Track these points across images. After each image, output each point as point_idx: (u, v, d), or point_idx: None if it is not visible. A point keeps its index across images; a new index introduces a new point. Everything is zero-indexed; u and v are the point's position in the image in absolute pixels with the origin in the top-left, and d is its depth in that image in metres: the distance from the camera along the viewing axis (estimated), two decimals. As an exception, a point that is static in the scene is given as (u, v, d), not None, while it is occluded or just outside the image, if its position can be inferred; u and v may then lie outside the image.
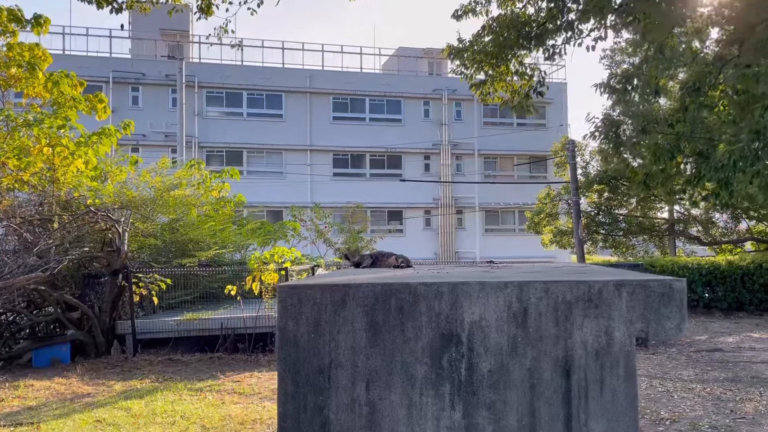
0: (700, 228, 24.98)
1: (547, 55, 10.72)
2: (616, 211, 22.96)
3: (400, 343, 3.28)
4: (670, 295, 3.14)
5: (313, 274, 11.43)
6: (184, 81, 19.94)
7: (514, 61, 10.92)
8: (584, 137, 22.58)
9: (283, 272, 10.09)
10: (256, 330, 9.94)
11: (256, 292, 10.02)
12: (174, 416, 6.28)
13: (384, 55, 36.16)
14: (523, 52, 10.82)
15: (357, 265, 5.40)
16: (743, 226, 26.10)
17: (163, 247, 11.55)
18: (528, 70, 11.45)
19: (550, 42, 10.44)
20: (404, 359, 3.34)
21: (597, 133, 8.75)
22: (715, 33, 8.53)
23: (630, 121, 8.43)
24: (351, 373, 3.38)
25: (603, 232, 23.28)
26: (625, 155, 8.40)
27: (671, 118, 7.96)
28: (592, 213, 22.93)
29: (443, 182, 32.36)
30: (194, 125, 30.72)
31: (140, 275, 10.25)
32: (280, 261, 10.55)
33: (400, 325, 3.31)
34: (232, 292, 9.92)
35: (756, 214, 24.14)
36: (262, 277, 10.09)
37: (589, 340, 3.20)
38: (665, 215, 24.98)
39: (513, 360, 3.23)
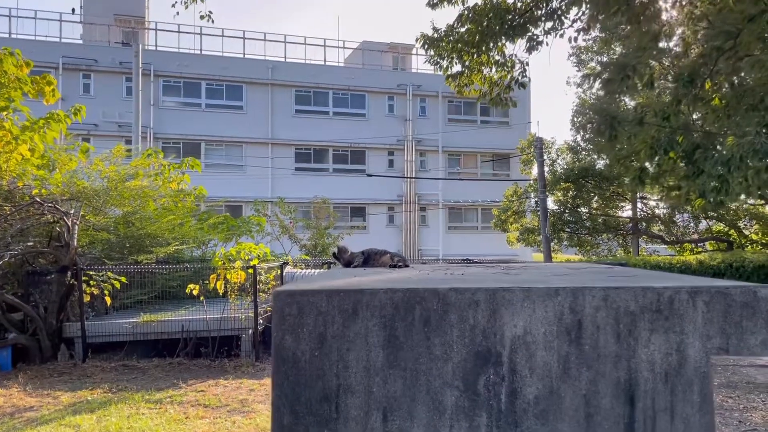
0: (662, 227, 25.18)
1: (529, 46, 10.26)
2: (582, 209, 22.89)
3: (425, 362, 2.68)
4: (754, 305, 2.63)
5: (282, 272, 10.72)
6: (140, 66, 18.82)
7: (495, 50, 10.42)
8: (571, 128, 22.26)
9: (250, 270, 9.35)
10: (221, 333, 9.17)
11: (221, 291, 9.26)
12: (131, 434, 5.53)
13: (348, 48, 35.45)
14: (505, 42, 10.32)
15: (348, 264, 4.77)
16: (702, 225, 26.50)
17: (117, 242, 10.64)
18: (509, 60, 10.96)
19: (534, 31, 9.97)
20: (430, 383, 2.74)
21: (590, 125, 8.31)
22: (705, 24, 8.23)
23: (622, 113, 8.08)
24: (364, 400, 2.76)
25: (568, 230, 23.18)
26: (617, 149, 8.03)
27: (665, 110, 7.60)
28: (558, 211, 22.79)
29: (407, 178, 31.88)
30: (150, 115, 29.40)
31: (91, 273, 9.34)
32: (246, 258, 9.80)
33: (425, 341, 2.71)
34: (194, 292, 9.13)
35: (714, 214, 24.49)
36: (228, 276, 9.33)
37: (657, 359, 2.66)
38: (628, 213, 25.09)
39: (565, 384, 2.67)
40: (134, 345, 9.24)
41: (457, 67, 12.25)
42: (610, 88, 7.48)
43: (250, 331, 9.15)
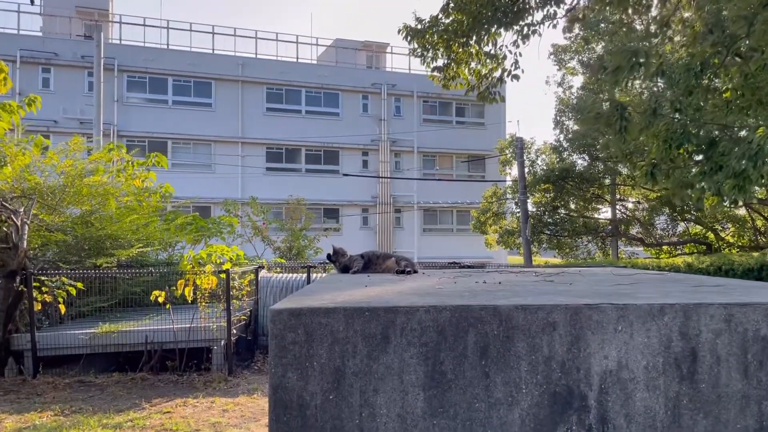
0: (640, 229, 24.97)
1: (523, 34, 9.65)
2: (561, 211, 22.49)
3: (483, 408, 1.96)
4: None
5: (257, 276, 9.88)
6: (102, 58, 17.74)
7: (488, 39, 9.77)
8: (555, 127, 21.74)
9: (223, 275, 8.50)
10: (190, 344, 8.29)
11: (190, 298, 8.40)
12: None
13: (321, 45, 34.61)
14: (497, 29, 9.68)
15: (345, 269, 4.03)
16: (679, 228, 26.40)
17: (74, 243, 9.66)
18: (500, 52, 10.34)
19: (528, 19, 9.36)
20: (491, 437, 2.02)
21: (597, 117, 7.70)
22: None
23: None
24: (399, 462, 2.03)
25: (548, 232, 22.76)
26: (621, 145, 7.44)
27: (676, 102, 7.06)
28: (538, 213, 22.35)
29: (382, 177, 31.16)
30: (113, 112, 28.16)
31: (44, 278, 8.38)
32: (218, 262, 8.95)
33: (483, 379, 1.99)
34: (160, 299, 8.24)
35: (691, 216, 24.38)
36: (197, 281, 8.47)
37: (800, 401, 1.98)
38: (605, 215, 24.82)
39: (675, 436, 1.97)
40: (92, 358, 8.30)
41: (442, 60, 11.61)
42: (618, 77, 6.90)
43: (223, 342, 8.31)
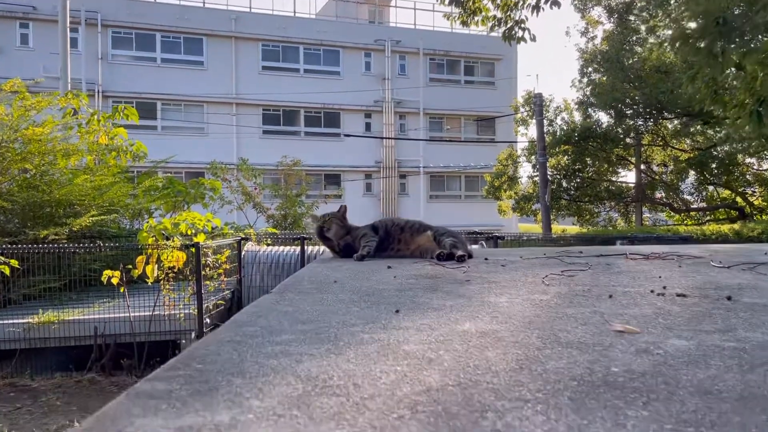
0: (663, 194, 23.15)
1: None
2: (583, 174, 20.63)
3: None
4: None
5: (240, 250, 8.13)
6: (68, 8, 15.73)
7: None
8: (580, 78, 19.69)
9: (192, 249, 6.76)
10: (151, 337, 6.60)
11: (152, 278, 6.67)
12: None
13: (320, -1, 32.29)
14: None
15: (347, 251, 2.28)
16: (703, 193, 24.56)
17: (16, 210, 7.93)
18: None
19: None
20: None
21: (686, 42, 5.82)
22: None
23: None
24: None
25: (567, 198, 20.94)
26: (717, 73, 5.67)
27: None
28: (557, 177, 20.50)
29: (386, 138, 29.20)
30: (97, 70, 26.19)
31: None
32: (189, 232, 7.20)
33: None
34: (114, 280, 6.53)
35: (718, 181, 22.51)
36: (162, 257, 6.74)
37: None
38: (630, 179, 22.96)
39: None
40: (29, 354, 6.63)
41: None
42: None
43: (193, 334, 6.61)
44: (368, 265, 2.06)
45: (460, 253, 2.11)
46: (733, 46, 5.30)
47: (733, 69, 5.87)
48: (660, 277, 2.08)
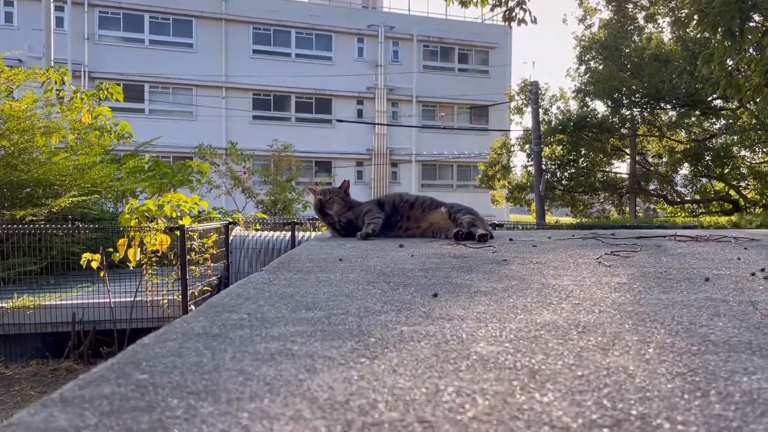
0: (657, 186, 23.01)
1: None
2: (577, 164, 20.39)
3: None
4: None
5: (228, 235, 7.80)
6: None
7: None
8: (578, 65, 19.37)
9: (177, 233, 6.43)
10: (132, 324, 6.28)
11: (134, 262, 6.34)
12: None
13: (313, -18, 31.73)
14: None
15: (348, 228, 1.97)
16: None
17: (-7, 191, 7.56)
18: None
19: None
20: None
21: (705, 19, 5.50)
22: None
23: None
24: None
25: (561, 188, 20.72)
26: (734, 54, 5.38)
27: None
28: (551, 167, 20.26)
29: (378, 124, 28.82)
30: (84, 51, 25.59)
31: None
32: (175, 215, 6.87)
33: None
34: (93, 264, 6.20)
35: (713, 173, 22.35)
36: (145, 240, 6.40)
37: None
38: (624, 170, 22.79)
39: None
40: (2, 342, 6.30)
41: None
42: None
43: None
44: (375, 243, 1.77)
45: (481, 231, 1.82)
46: (752, 24, 5.02)
47: (751, 50, 5.62)
48: (738, 258, 1.83)
